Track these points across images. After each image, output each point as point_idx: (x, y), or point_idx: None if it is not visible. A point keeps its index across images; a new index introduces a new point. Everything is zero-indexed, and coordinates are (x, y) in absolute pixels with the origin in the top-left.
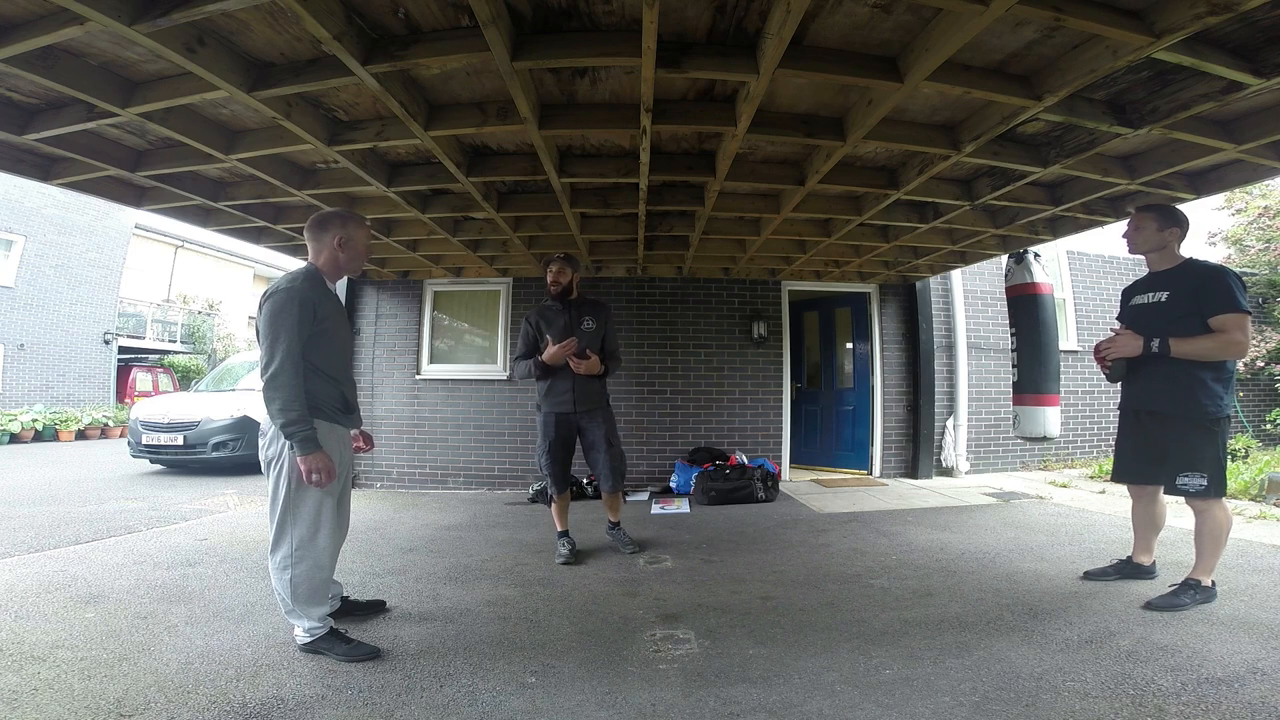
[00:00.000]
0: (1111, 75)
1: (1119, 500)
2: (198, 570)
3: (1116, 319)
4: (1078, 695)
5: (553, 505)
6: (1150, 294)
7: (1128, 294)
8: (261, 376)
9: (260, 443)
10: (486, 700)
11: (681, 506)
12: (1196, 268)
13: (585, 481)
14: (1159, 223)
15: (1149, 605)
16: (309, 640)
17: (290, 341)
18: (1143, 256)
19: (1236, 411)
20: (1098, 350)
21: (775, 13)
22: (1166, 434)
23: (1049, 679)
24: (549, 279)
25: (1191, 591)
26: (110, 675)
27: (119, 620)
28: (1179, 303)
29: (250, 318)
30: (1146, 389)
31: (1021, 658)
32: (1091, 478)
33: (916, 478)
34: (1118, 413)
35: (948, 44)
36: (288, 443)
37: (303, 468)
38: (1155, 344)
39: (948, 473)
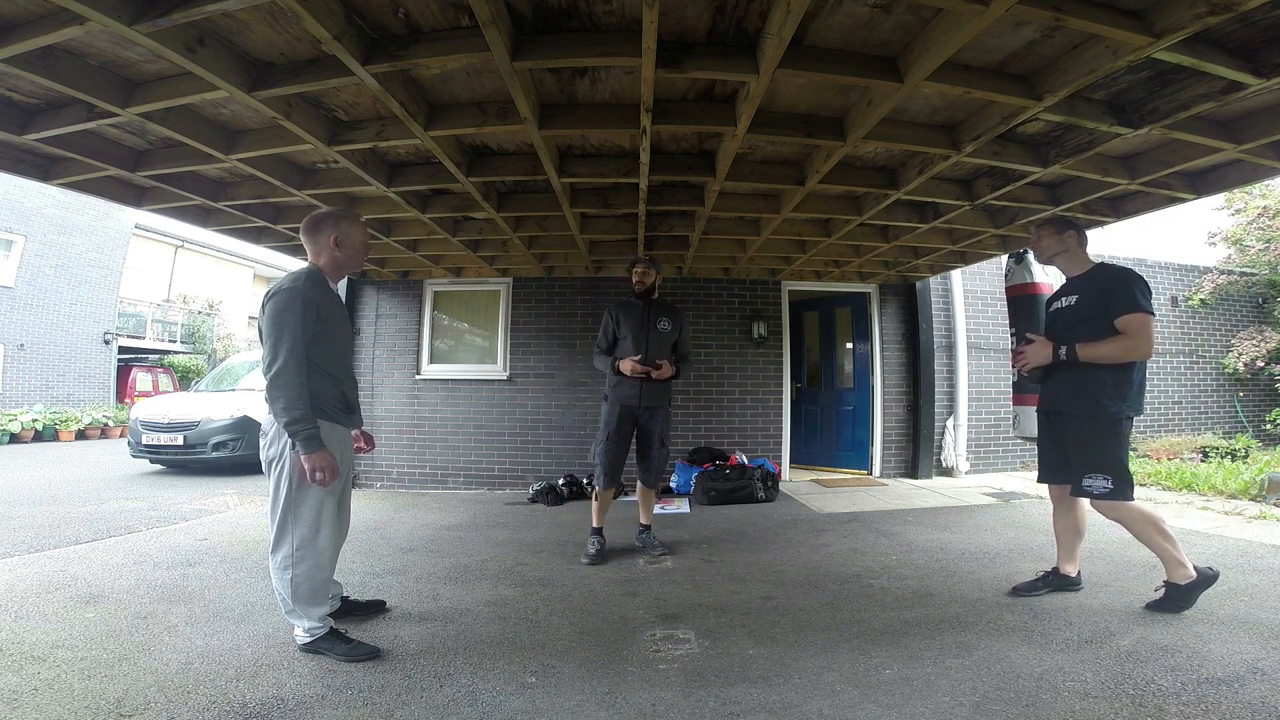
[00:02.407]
0: (1111, 75)
1: None
2: (198, 570)
3: (1045, 328)
4: (1078, 695)
5: (594, 499)
6: (1064, 299)
7: (1048, 303)
8: (265, 375)
9: (261, 442)
10: (486, 700)
11: (681, 506)
12: (1105, 272)
13: (585, 481)
14: (1055, 228)
15: (1148, 606)
16: (309, 640)
17: (293, 341)
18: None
19: (1237, 411)
20: (1014, 358)
21: (775, 13)
22: (1069, 434)
23: (1049, 679)
24: (634, 279)
25: (1178, 593)
26: (110, 675)
27: (119, 620)
28: (1086, 306)
29: (251, 318)
30: (1054, 390)
31: (1021, 658)
32: None
33: (916, 478)
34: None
35: (948, 44)
36: (289, 442)
37: (306, 466)
38: (1063, 351)
39: (948, 473)
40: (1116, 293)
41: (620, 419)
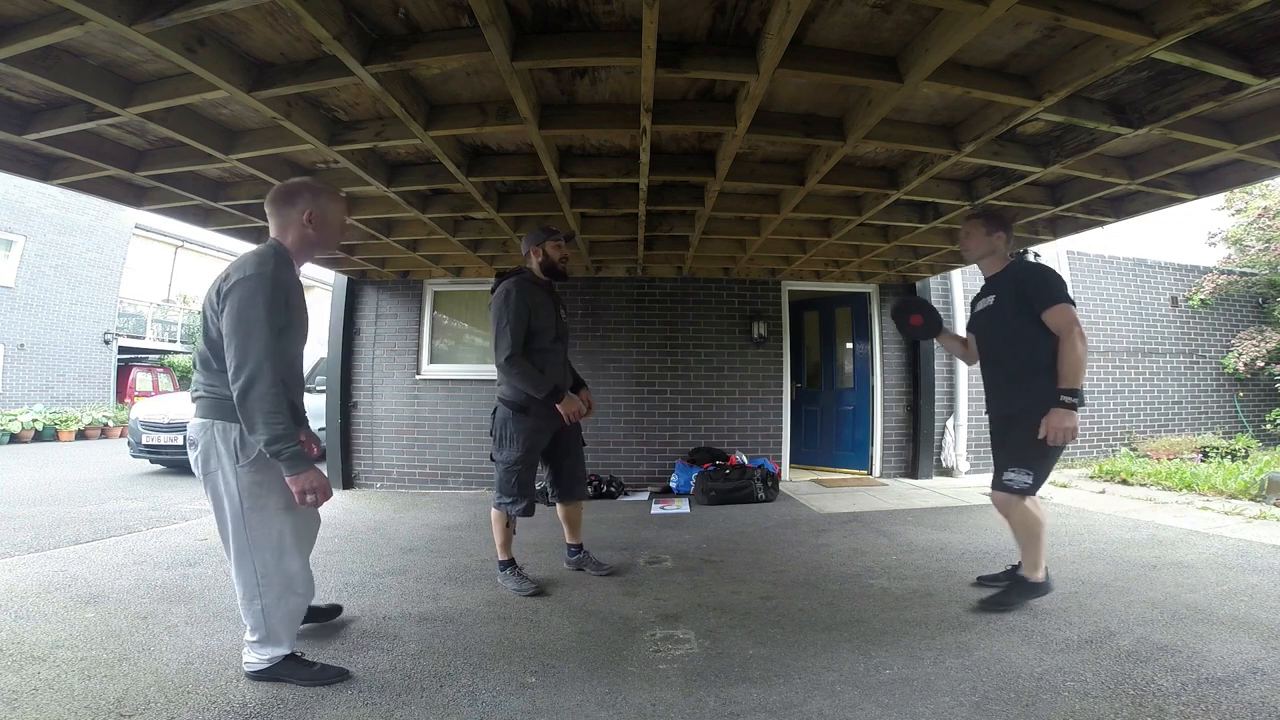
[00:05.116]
0: (1111, 75)
1: (1119, 500)
2: (198, 570)
3: (966, 329)
4: (1078, 695)
5: (506, 529)
6: (985, 299)
7: (972, 304)
8: (232, 384)
9: (190, 455)
10: (486, 700)
11: (681, 506)
12: (1020, 267)
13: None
14: (987, 227)
15: (981, 604)
16: (265, 667)
17: (267, 339)
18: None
19: (1237, 411)
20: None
21: (775, 13)
22: (1012, 433)
23: (1049, 679)
24: (556, 256)
25: (1018, 590)
26: (110, 675)
27: (119, 620)
28: (1003, 304)
29: None
30: (1008, 394)
31: (1021, 658)
32: (1091, 478)
33: (916, 478)
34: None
35: (948, 44)
36: (231, 456)
37: (294, 489)
38: (1075, 399)
39: (948, 473)
40: (1035, 287)
41: (544, 435)
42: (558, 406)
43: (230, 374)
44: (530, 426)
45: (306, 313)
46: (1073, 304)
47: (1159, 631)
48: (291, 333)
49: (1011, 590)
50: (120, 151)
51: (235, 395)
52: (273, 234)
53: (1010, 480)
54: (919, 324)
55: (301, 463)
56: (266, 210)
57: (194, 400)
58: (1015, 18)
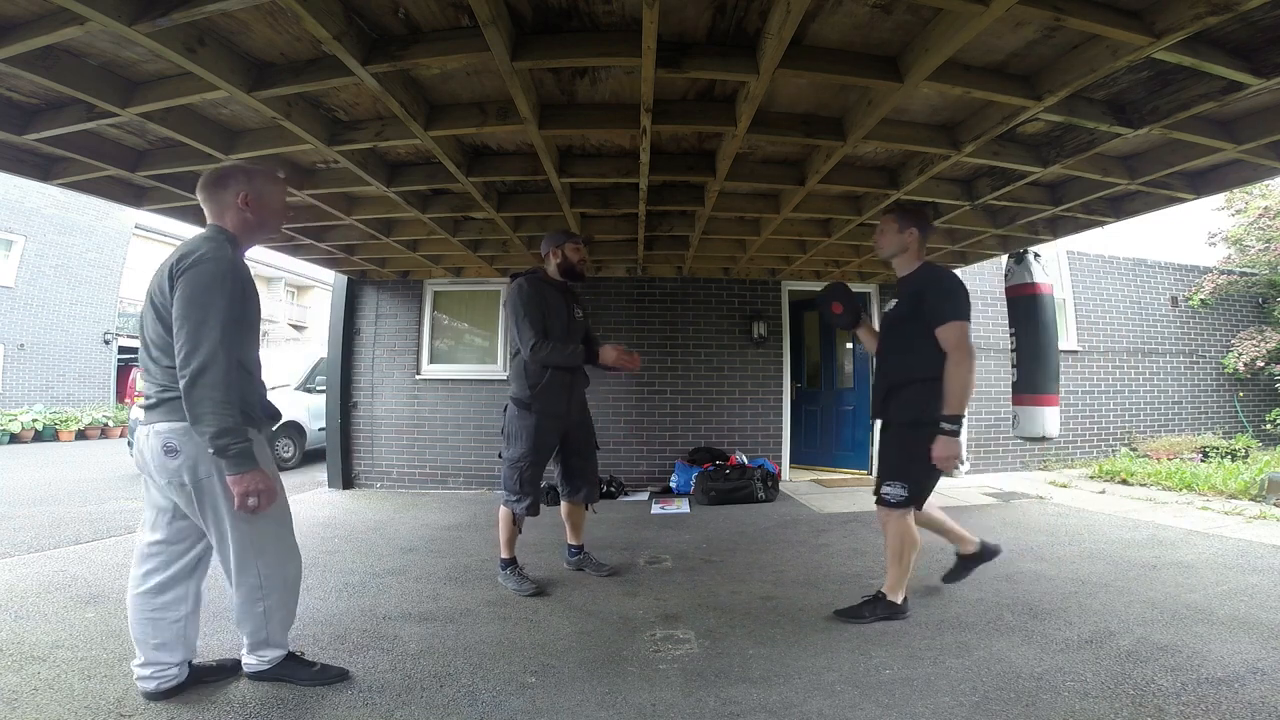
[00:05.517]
0: (1111, 75)
1: (1119, 500)
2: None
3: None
4: (1078, 695)
5: (512, 527)
6: (891, 301)
7: (885, 305)
8: (181, 372)
9: (168, 462)
10: (486, 700)
11: (681, 506)
12: (926, 274)
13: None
14: (900, 223)
15: (836, 613)
16: (266, 668)
17: (223, 326)
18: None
19: (1237, 411)
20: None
21: (775, 13)
22: (892, 442)
23: (1049, 679)
24: (575, 258)
25: (874, 605)
26: (110, 675)
27: (119, 620)
28: (901, 308)
29: None
30: (883, 401)
31: (1021, 658)
32: (1091, 478)
33: None
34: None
35: (948, 44)
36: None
37: (236, 490)
38: (949, 427)
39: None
40: (935, 299)
41: (549, 434)
42: (604, 362)
43: (179, 360)
44: (534, 424)
45: (259, 303)
46: (967, 321)
47: (1159, 631)
48: (247, 323)
49: (873, 604)
50: (120, 151)
51: (183, 383)
52: (210, 219)
53: (886, 494)
54: (839, 312)
55: (247, 461)
56: (199, 198)
57: (161, 402)
58: (1015, 18)
